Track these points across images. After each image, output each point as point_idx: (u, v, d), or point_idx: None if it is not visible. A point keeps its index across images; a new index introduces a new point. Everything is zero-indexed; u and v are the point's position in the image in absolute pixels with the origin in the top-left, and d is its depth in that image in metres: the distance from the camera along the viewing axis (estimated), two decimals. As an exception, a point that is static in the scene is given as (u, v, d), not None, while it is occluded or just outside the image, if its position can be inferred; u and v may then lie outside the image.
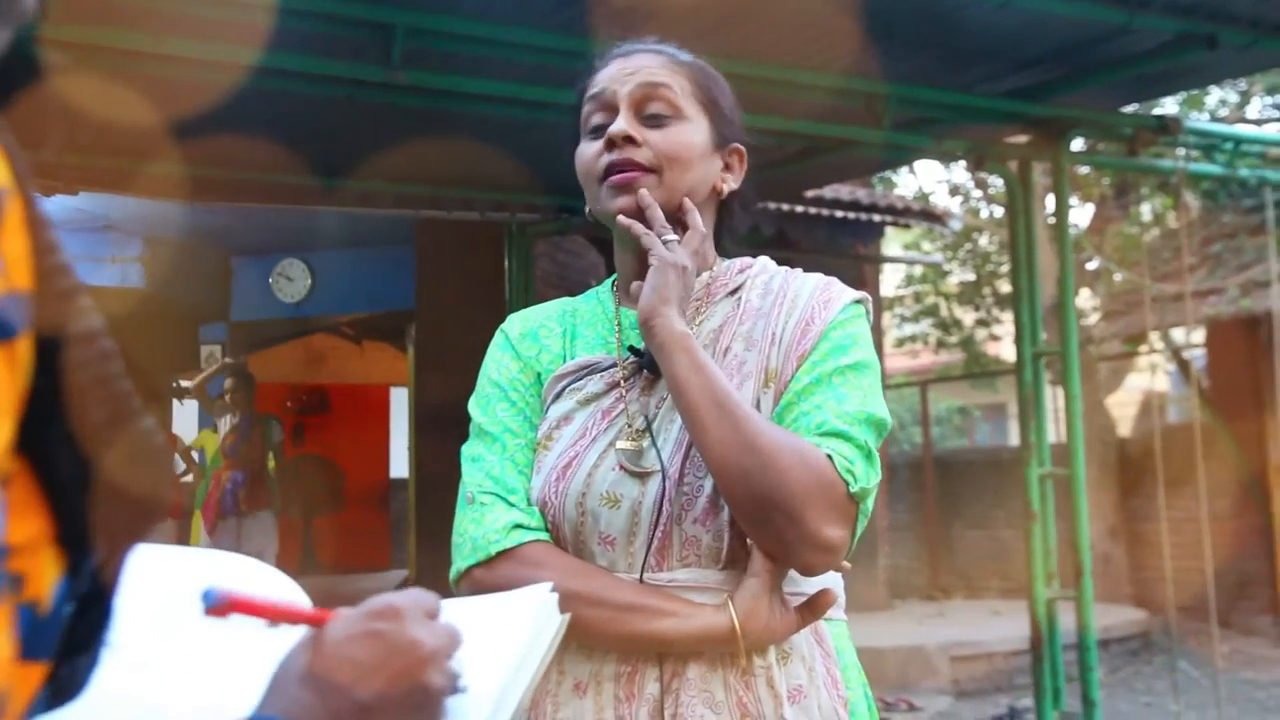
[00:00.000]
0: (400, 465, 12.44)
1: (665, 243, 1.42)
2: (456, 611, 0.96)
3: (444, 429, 7.57)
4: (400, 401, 12.39)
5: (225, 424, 8.08)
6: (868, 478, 1.34)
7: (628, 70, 1.50)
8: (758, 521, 1.33)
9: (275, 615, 0.72)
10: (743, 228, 1.62)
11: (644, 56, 1.52)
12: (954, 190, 13.24)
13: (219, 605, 0.70)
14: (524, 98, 4.52)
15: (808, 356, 1.42)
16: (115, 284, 8.43)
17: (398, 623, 0.73)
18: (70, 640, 0.61)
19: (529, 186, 6.36)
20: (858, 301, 1.49)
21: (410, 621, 0.74)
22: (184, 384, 8.99)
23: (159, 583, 0.84)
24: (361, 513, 13.09)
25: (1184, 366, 11.22)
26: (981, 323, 13.33)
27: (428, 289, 8.10)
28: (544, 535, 1.42)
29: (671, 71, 1.50)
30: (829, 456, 1.32)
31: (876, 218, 9.63)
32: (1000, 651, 8.31)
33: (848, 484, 1.32)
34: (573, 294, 1.67)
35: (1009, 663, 8.21)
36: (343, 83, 4.28)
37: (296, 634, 0.75)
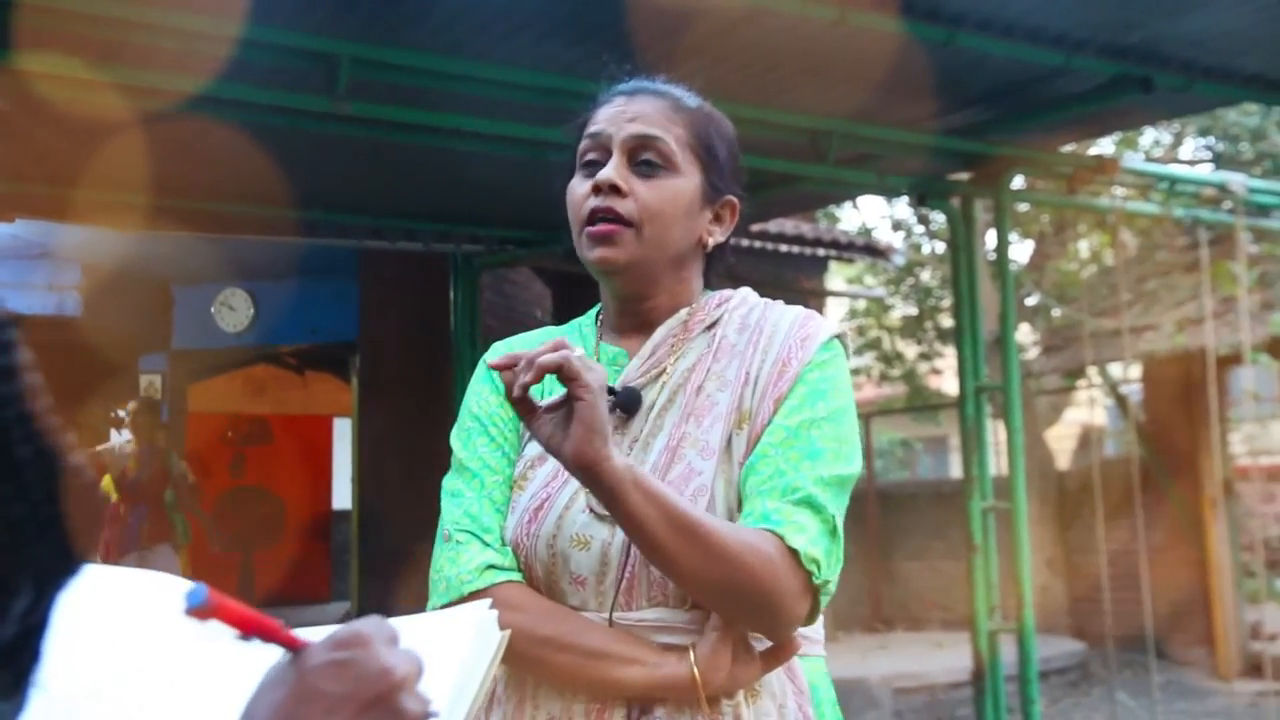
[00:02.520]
0: (342, 497, 12.30)
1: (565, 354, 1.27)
2: (400, 628, 0.96)
3: (387, 460, 7.54)
4: (343, 432, 12.27)
5: (119, 451, 7.85)
6: (831, 567, 1.36)
7: (628, 114, 1.48)
8: (733, 614, 1.37)
9: (254, 628, 0.71)
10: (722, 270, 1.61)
11: (647, 100, 1.50)
12: (896, 225, 13.39)
13: (203, 608, 0.68)
14: (469, 130, 4.52)
15: (784, 400, 1.43)
16: (52, 313, 8.28)
17: (366, 650, 0.72)
18: None
19: (474, 218, 6.36)
20: (835, 337, 1.49)
21: (379, 648, 0.73)
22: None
23: (106, 608, 0.82)
24: (302, 544, 12.92)
25: (1121, 401, 11.39)
26: (923, 356, 13.46)
27: (372, 320, 8.04)
28: (516, 575, 1.43)
29: (671, 120, 1.49)
30: (794, 550, 1.32)
31: (821, 252, 9.73)
32: (942, 683, 8.36)
33: (811, 574, 1.34)
34: (520, 326, 1.66)
35: (950, 694, 8.26)
36: (287, 112, 4.26)
37: (259, 656, 0.74)
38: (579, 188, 1.48)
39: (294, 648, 0.72)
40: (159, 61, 3.79)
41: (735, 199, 1.55)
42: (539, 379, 1.26)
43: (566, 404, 1.28)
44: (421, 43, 3.91)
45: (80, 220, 5.95)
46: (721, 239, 1.54)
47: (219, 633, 0.70)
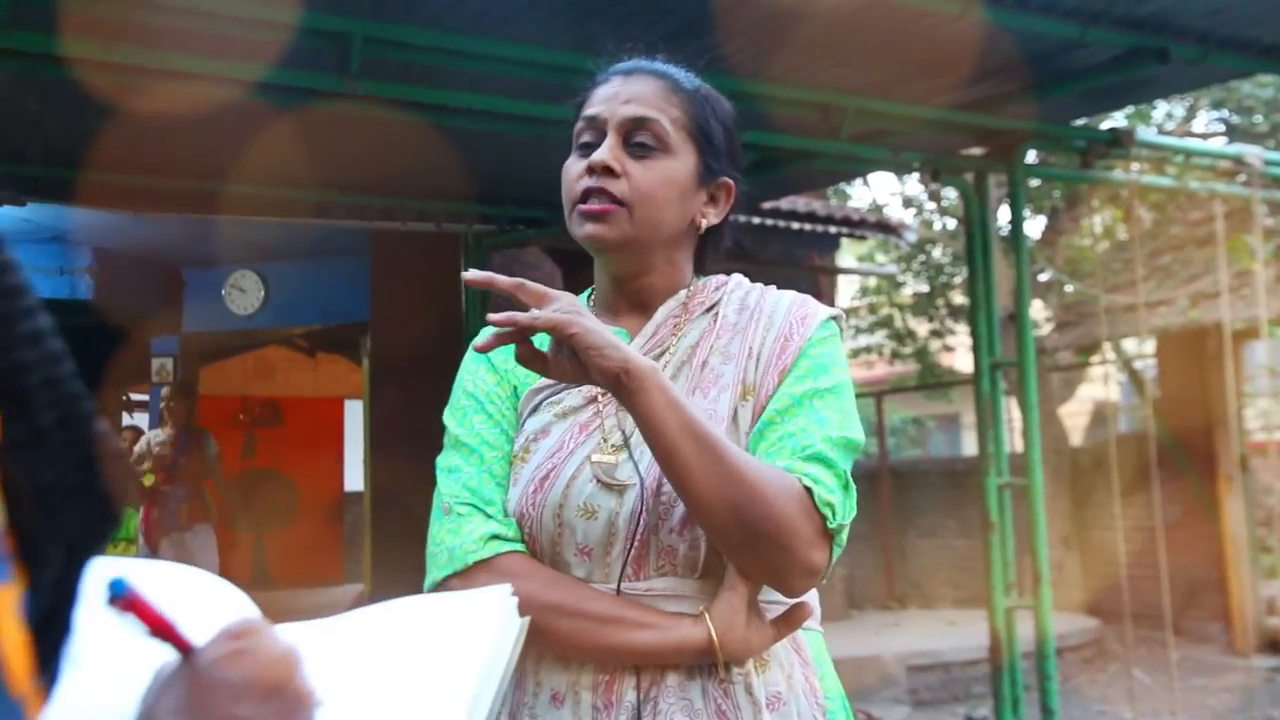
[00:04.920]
0: (354, 478, 12.33)
1: (534, 312, 1.32)
2: (417, 609, 0.94)
3: (399, 441, 7.54)
4: (354, 414, 12.29)
5: (157, 437, 7.94)
6: (845, 513, 1.37)
7: (624, 96, 1.49)
8: (745, 550, 1.35)
9: (158, 628, 0.71)
10: (716, 253, 1.62)
11: (644, 80, 1.51)
12: (908, 202, 13.33)
13: (123, 599, 0.68)
14: (480, 108, 4.50)
15: (788, 372, 1.45)
16: (64, 296, 8.30)
17: (261, 638, 0.72)
18: (30, 658, 0.59)
19: (485, 197, 6.34)
20: (833, 318, 1.52)
21: (269, 638, 0.73)
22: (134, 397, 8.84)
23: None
24: (314, 526, 12.96)
25: (1135, 377, 11.34)
26: (935, 334, 13.41)
27: (382, 301, 8.04)
28: (520, 546, 1.43)
29: (667, 101, 1.50)
30: (809, 490, 1.34)
31: (832, 229, 9.69)
32: (957, 661, 8.35)
33: (826, 518, 1.34)
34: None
35: (965, 672, 8.25)
36: (299, 92, 4.23)
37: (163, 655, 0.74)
38: (574, 168, 1.50)
39: (185, 650, 0.72)
40: (169, 42, 3.77)
41: (731, 181, 1.55)
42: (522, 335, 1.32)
43: (563, 344, 1.31)
44: (433, 20, 3.88)
45: (91, 203, 5.94)
46: (716, 220, 1.55)
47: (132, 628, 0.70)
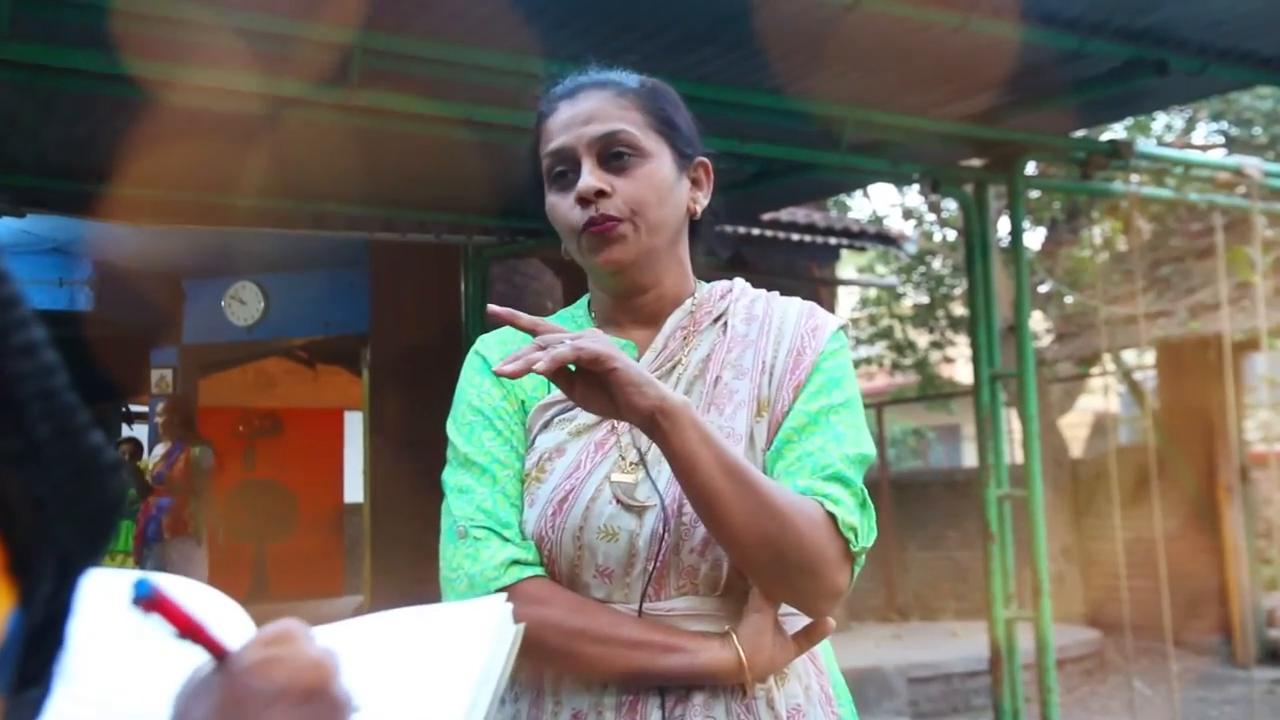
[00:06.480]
0: (354, 489, 12.32)
1: (573, 342, 1.26)
2: (411, 620, 0.94)
3: (399, 452, 7.54)
4: (354, 425, 12.29)
5: (161, 450, 7.96)
6: (866, 536, 1.39)
7: (580, 117, 1.46)
8: (774, 577, 1.37)
9: (189, 630, 0.70)
10: (715, 244, 1.62)
11: (591, 95, 1.48)
12: (907, 213, 13.34)
13: (148, 600, 0.68)
14: (480, 119, 4.50)
15: (803, 388, 1.45)
16: (64, 308, 8.30)
17: (295, 645, 0.71)
18: (22, 673, 0.58)
19: (485, 208, 6.34)
20: (842, 329, 1.53)
21: (306, 643, 0.72)
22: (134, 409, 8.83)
23: (112, 608, 0.81)
24: (314, 538, 12.95)
25: (1135, 388, 11.34)
26: (935, 345, 13.41)
27: (382, 312, 8.04)
28: (541, 570, 1.41)
29: (623, 108, 1.47)
30: (832, 515, 1.35)
31: (832, 240, 9.68)
32: (957, 673, 8.33)
33: (849, 542, 1.36)
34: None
35: (966, 684, 8.24)
36: (299, 103, 4.24)
37: (193, 659, 0.73)
38: (562, 203, 1.47)
39: (219, 654, 0.71)
40: (169, 53, 3.78)
41: (706, 159, 1.55)
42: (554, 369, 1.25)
43: (590, 375, 1.28)
44: (433, 31, 3.89)
45: (91, 215, 5.95)
46: (706, 201, 1.55)
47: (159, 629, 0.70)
